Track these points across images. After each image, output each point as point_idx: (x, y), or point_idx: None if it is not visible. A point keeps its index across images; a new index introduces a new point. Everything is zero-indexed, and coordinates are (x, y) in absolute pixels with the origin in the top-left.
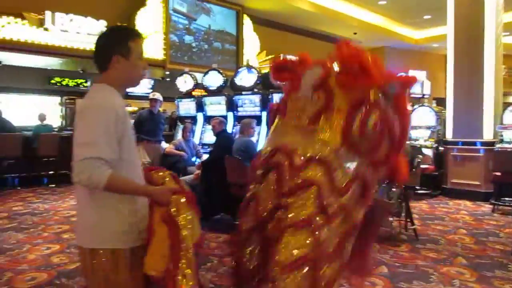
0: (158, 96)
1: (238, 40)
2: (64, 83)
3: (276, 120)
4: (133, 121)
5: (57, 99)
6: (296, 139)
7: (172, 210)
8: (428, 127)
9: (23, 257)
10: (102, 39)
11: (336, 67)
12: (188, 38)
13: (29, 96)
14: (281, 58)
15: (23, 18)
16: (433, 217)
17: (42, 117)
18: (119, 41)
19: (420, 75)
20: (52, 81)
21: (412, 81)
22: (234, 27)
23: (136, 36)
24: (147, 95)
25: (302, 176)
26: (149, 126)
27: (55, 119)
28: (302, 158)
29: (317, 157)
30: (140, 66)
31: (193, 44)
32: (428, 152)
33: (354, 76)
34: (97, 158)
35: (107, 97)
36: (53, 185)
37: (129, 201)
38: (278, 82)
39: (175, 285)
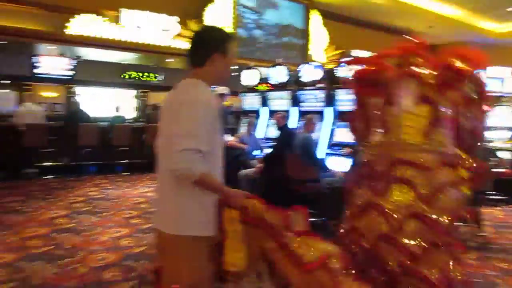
0: (223, 90)
1: (305, 34)
2: (137, 76)
3: (380, 137)
4: None
5: (133, 92)
6: (419, 154)
7: (251, 211)
8: (509, 128)
9: (96, 238)
10: (203, 36)
11: (428, 73)
12: (257, 33)
13: (105, 89)
14: (354, 57)
15: (101, 15)
16: (507, 225)
17: (117, 109)
18: (220, 40)
19: (502, 71)
20: (126, 75)
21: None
22: (301, 21)
23: (233, 37)
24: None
25: (437, 182)
26: None
27: (130, 111)
28: (434, 169)
29: (445, 163)
30: (231, 66)
31: (261, 39)
32: (507, 156)
33: (454, 81)
34: (196, 150)
35: (206, 92)
36: (125, 173)
37: (210, 192)
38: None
39: None
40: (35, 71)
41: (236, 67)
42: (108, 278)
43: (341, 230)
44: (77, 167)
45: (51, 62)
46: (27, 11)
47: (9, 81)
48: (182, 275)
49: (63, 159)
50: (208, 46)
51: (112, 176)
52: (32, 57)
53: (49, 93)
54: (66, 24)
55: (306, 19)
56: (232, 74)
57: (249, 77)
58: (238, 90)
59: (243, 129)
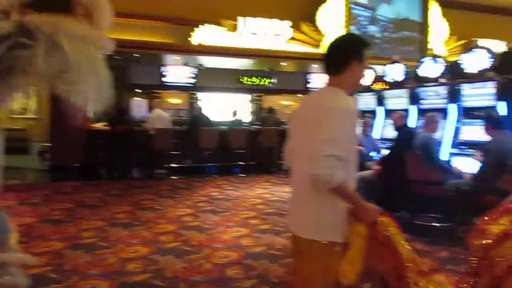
0: None
1: (423, 27)
2: (252, 81)
3: None
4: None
5: (247, 96)
6: None
7: (383, 229)
8: None
9: (218, 236)
10: (341, 45)
11: None
12: (371, 30)
13: (224, 94)
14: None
15: (220, 25)
16: None
17: (234, 113)
18: (358, 47)
19: None
20: (242, 80)
21: None
22: (418, 14)
23: (368, 44)
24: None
25: None
26: None
27: (246, 115)
28: None
29: None
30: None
31: (376, 36)
32: None
33: None
34: (337, 156)
35: (345, 99)
36: (243, 175)
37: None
38: None
39: None
40: (163, 79)
41: None
42: (231, 275)
43: (473, 259)
44: (199, 168)
45: (176, 71)
46: (155, 25)
47: (140, 90)
48: (317, 279)
49: (187, 161)
50: (346, 54)
51: (230, 177)
52: (161, 67)
53: (174, 100)
54: (190, 35)
55: (424, 11)
56: None
57: (364, 77)
58: None
59: (358, 130)
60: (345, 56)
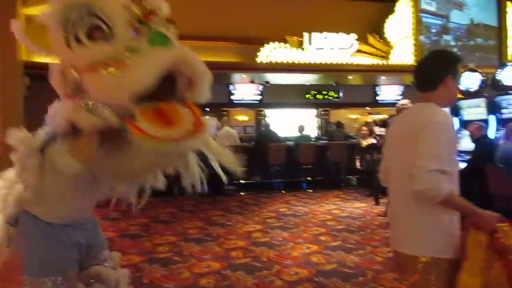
0: (407, 103)
1: (500, 32)
2: (319, 96)
3: None
4: (383, 129)
5: (313, 111)
6: None
7: (502, 237)
8: None
9: (288, 253)
10: (435, 61)
11: None
12: (442, 38)
13: (290, 109)
14: None
15: (285, 42)
16: None
17: (301, 128)
18: (451, 63)
19: None
20: (309, 95)
21: None
22: (494, 18)
23: (460, 59)
24: (395, 101)
25: None
26: None
27: (312, 130)
28: None
29: None
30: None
31: (448, 44)
32: None
33: None
34: (440, 170)
35: (443, 113)
36: (311, 190)
37: (448, 212)
38: None
39: None
40: (231, 97)
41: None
42: None
43: None
44: (267, 184)
45: (243, 89)
46: (223, 46)
47: (209, 109)
48: None
49: (255, 177)
50: (441, 70)
51: (298, 193)
52: (229, 86)
53: (242, 117)
54: (256, 53)
55: (501, 15)
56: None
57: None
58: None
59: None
60: (439, 72)
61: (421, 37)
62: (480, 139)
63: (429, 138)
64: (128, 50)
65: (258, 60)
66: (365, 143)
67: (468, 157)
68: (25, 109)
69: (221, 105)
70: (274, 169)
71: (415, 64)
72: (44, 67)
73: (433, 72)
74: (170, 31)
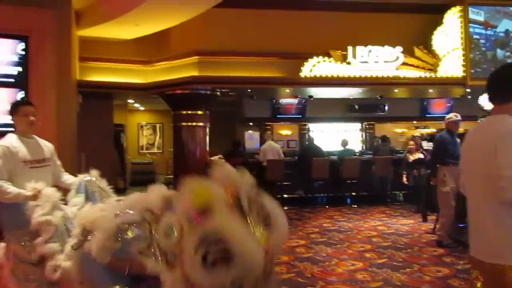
0: (455, 117)
1: None
2: (363, 110)
3: None
4: (431, 143)
5: (357, 125)
6: None
7: None
8: None
9: (332, 269)
10: (508, 74)
11: None
12: (492, 48)
13: (334, 124)
14: None
15: (329, 56)
16: None
17: (344, 143)
18: None
19: None
20: (353, 109)
21: None
22: None
23: None
24: (443, 115)
25: None
26: (452, 149)
27: (357, 144)
28: None
29: None
30: None
31: (499, 55)
32: None
33: None
34: None
35: None
36: (355, 206)
37: None
38: None
39: None
40: (274, 112)
41: (468, 89)
42: None
43: None
44: (311, 199)
45: (287, 103)
46: (267, 61)
47: (253, 123)
48: None
49: (298, 191)
50: None
51: (342, 208)
52: (272, 100)
53: (285, 131)
54: (300, 68)
55: None
56: (468, 97)
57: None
58: (476, 114)
59: None
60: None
61: (471, 48)
62: None
63: (509, 148)
64: None
65: (302, 74)
66: (412, 157)
67: None
68: (79, 125)
69: (265, 120)
70: (318, 183)
71: (464, 76)
72: (95, 85)
73: (507, 85)
74: None
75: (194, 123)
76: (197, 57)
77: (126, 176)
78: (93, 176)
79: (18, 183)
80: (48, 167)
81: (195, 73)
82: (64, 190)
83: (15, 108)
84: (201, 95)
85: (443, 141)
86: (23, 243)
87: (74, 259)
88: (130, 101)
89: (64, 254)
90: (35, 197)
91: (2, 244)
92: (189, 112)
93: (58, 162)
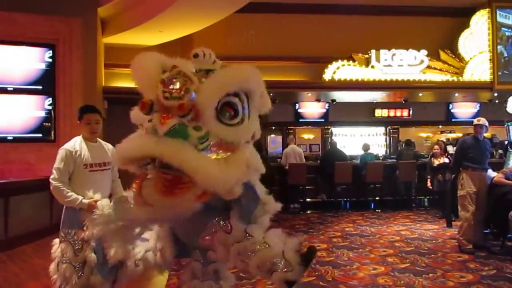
0: (483, 121)
1: None
2: (387, 114)
3: None
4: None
5: (381, 129)
6: None
7: None
8: None
9: (354, 273)
10: None
11: None
12: None
13: (357, 128)
14: None
15: (352, 60)
16: None
17: (366, 147)
18: None
19: None
20: (377, 113)
21: None
22: None
23: None
24: (471, 120)
25: None
26: (474, 153)
27: (380, 148)
28: None
29: None
30: None
31: None
32: None
33: None
34: None
35: None
36: (379, 210)
37: None
38: None
39: None
40: (297, 116)
41: (495, 94)
42: None
43: None
44: (333, 203)
45: (310, 107)
46: (291, 65)
47: (276, 127)
48: None
49: (321, 196)
50: None
51: (365, 213)
52: (295, 104)
53: (307, 135)
54: (323, 72)
55: None
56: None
57: None
58: (504, 119)
59: (511, 163)
60: None
61: (500, 51)
62: None
63: None
64: None
65: (324, 78)
66: (436, 162)
67: None
68: (105, 130)
69: (287, 124)
70: (341, 188)
71: (492, 80)
72: (120, 91)
73: None
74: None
75: None
76: (219, 62)
77: None
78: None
79: (77, 185)
80: (109, 171)
81: None
82: None
83: (80, 115)
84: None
85: (462, 145)
86: (73, 243)
87: None
88: None
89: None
90: (90, 207)
91: (57, 240)
92: None
93: (115, 168)
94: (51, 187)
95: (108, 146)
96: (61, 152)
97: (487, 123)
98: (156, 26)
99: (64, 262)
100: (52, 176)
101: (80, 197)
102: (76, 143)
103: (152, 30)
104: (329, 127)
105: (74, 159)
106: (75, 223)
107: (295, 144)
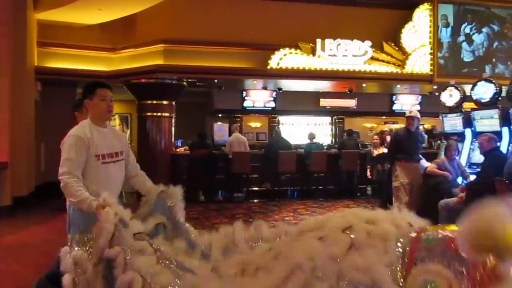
0: (415, 113)
1: None
2: (333, 104)
3: None
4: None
5: (327, 119)
6: None
7: None
8: None
9: None
10: None
11: None
12: (460, 46)
13: (304, 117)
14: None
15: (298, 48)
16: None
17: (311, 136)
18: None
19: None
20: (322, 103)
21: None
22: None
23: None
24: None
25: None
26: (406, 145)
27: (325, 138)
28: None
29: None
30: None
31: (466, 52)
32: None
33: None
34: None
35: None
36: (321, 199)
37: None
38: None
39: None
40: (244, 104)
41: (435, 86)
42: None
43: None
44: (279, 192)
45: (256, 95)
46: (236, 51)
47: (222, 115)
48: None
49: (265, 184)
50: None
51: (308, 202)
52: (242, 92)
53: (255, 124)
54: (269, 59)
55: None
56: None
57: (449, 97)
58: (438, 111)
59: (443, 154)
60: None
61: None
62: (490, 152)
63: None
64: None
65: (270, 66)
66: (376, 152)
67: (478, 169)
68: (38, 113)
69: (234, 111)
70: (285, 176)
71: (432, 73)
72: (56, 71)
73: None
74: None
75: (159, 114)
76: (162, 45)
77: None
78: (171, 189)
79: (88, 180)
80: (121, 162)
81: (160, 61)
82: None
83: (92, 90)
84: (167, 84)
85: (395, 138)
86: (86, 248)
87: None
88: None
89: None
90: (99, 212)
91: (65, 248)
92: (154, 102)
93: (132, 156)
94: (62, 185)
95: (118, 132)
96: (70, 140)
97: (419, 115)
98: (95, 4)
99: (81, 274)
100: (61, 170)
101: (91, 197)
102: (86, 128)
103: (90, 7)
104: (276, 115)
105: (86, 148)
106: (90, 223)
107: (239, 132)
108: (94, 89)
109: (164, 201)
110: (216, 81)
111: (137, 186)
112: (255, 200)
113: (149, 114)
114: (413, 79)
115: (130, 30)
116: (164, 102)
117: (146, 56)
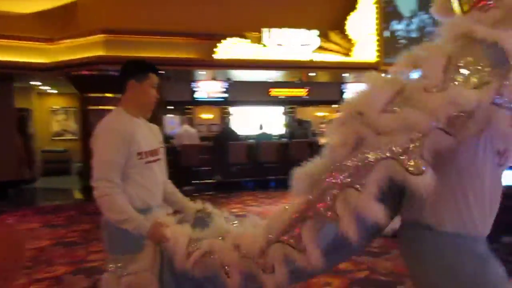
0: None
1: None
2: (284, 93)
3: None
4: None
5: (280, 109)
6: None
7: None
8: None
9: None
10: None
11: None
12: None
13: (256, 107)
14: None
15: (244, 37)
16: None
17: (261, 126)
18: None
19: None
20: (273, 92)
21: None
22: None
23: None
24: None
25: None
26: None
27: (277, 128)
28: None
29: None
30: None
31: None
32: None
33: None
34: None
35: None
36: (272, 190)
37: None
38: None
39: None
40: (194, 95)
41: (383, 74)
42: None
43: None
44: (230, 184)
45: (206, 86)
46: (182, 41)
47: (173, 107)
48: None
49: (216, 177)
50: None
51: (258, 193)
52: (191, 83)
53: (206, 115)
54: (214, 50)
55: None
56: None
57: None
58: None
59: None
60: None
61: (385, 34)
62: None
63: None
64: None
65: (216, 56)
66: (323, 141)
67: None
68: None
69: (185, 103)
70: (236, 168)
71: (378, 61)
72: (7, 66)
73: None
74: None
75: (103, 107)
76: (103, 35)
77: (34, 166)
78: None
79: (129, 186)
80: (162, 162)
81: (101, 52)
82: None
83: (144, 71)
84: (110, 76)
85: None
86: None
87: None
88: (36, 83)
89: None
90: (156, 234)
91: (107, 276)
92: (97, 95)
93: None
94: (96, 194)
95: (151, 124)
96: (106, 135)
97: None
98: None
99: None
100: (96, 176)
101: (139, 216)
102: (125, 120)
103: None
104: (228, 106)
105: (128, 144)
106: (131, 244)
107: (191, 124)
108: (147, 71)
109: (203, 221)
110: (162, 72)
111: (169, 197)
112: (206, 193)
113: (92, 107)
114: (358, 67)
115: (70, 19)
116: (107, 95)
117: (86, 47)
